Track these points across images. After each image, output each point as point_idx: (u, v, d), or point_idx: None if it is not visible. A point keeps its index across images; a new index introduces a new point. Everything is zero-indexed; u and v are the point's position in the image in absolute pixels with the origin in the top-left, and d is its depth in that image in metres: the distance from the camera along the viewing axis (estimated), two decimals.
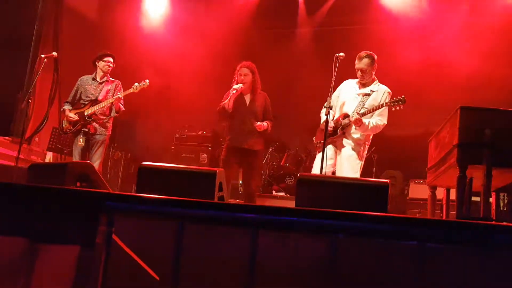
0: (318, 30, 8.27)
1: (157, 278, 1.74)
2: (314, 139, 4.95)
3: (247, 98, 5.16)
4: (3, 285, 1.72)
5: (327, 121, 4.32)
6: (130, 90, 5.52)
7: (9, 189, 1.82)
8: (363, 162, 4.65)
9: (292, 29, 8.47)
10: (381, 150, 6.82)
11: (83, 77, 5.77)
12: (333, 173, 4.62)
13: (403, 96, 4.36)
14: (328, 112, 4.31)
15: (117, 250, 1.69)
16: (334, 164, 4.63)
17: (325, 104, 4.37)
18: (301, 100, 7.66)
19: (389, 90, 4.64)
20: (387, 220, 1.48)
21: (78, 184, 3.31)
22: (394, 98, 4.41)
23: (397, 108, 4.39)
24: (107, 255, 1.63)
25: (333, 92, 4.41)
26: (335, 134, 4.62)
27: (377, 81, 4.71)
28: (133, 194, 1.95)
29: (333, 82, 4.38)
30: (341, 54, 4.39)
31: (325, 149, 4.23)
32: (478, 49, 6.67)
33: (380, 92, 4.62)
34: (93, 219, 1.64)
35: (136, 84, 5.51)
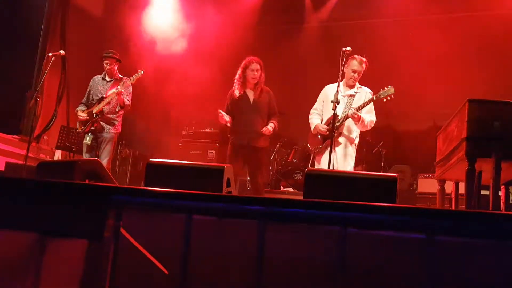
0: (324, 25, 8.24)
1: (166, 272, 1.74)
2: (308, 145, 5.00)
3: (251, 96, 5.08)
4: (13, 279, 1.73)
5: (334, 116, 4.34)
6: (128, 82, 5.54)
7: (17, 184, 1.83)
8: (354, 157, 4.81)
9: (299, 24, 8.44)
10: (389, 145, 6.80)
11: (94, 77, 5.83)
12: None
13: (389, 86, 4.52)
14: (335, 107, 4.33)
15: (125, 244, 1.70)
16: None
17: (333, 99, 4.37)
18: (308, 96, 7.63)
19: (371, 91, 4.79)
20: (396, 211, 1.47)
21: (87, 181, 3.33)
22: (382, 90, 4.55)
23: (388, 98, 4.53)
24: (116, 248, 1.63)
25: (338, 89, 4.42)
26: (331, 136, 4.65)
27: (358, 83, 4.87)
28: (140, 187, 1.96)
29: (340, 76, 4.39)
30: (348, 48, 4.42)
31: (332, 145, 4.28)
32: (486, 42, 6.61)
33: (363, 92, 4.78)
34: (101, 213, 1.65)
35: (134, 75, 5.52)
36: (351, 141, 4.74)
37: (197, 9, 7.96)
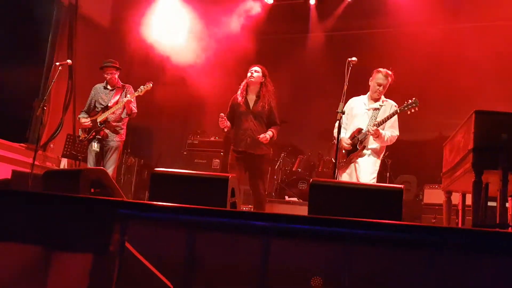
0: (329, 35, 8.25)
1: (171, 286, 1.73)
2: (333, 160, 4.93)
3: (251, 101, 5.11)
4: None
5: (339, 126, 4.33)
6: (136, 94, 5.57)
7: (23, 197, 1.83)
8: (377, 170, 4.75)
9: (304, 34, 8.46)
10: (395, 155, 6.76)
11: (96, 85, 5.85)
12: None
13: (414, 98, 4.50)
14: (341, 117, 4.32)
15: (130, 258, 1.69)
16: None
17: (338, 110, 4.35)
18: (314, 105, 7.64)
19: (396, 104, 4.77)
20: (401, 228, 1.46)
21: (92, 190, 3.34)
22: (406, 102, 4.54)
23: (412, 111, 4.52)
24: (120, 263, 1.63)
25: (345, 98, 4.41)
26: (356, 150, 4.71)
27: (383, 96, 4.86)
28: (145, 202, 1.95)
29: (345, 87, 4.38)
30: (354, 58, 4.41)
31: (336, 156, 4.27)
32: (493, 51, 6.59)
33: (388, 106, 4.76)
34: (106, 227, 1.64)
35: (141, 87, 5.56)
36: (376, 152, 4.71)
37: (203, 19, 8.00)
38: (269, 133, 5.02)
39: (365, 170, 4.64)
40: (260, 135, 5.00)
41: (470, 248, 1.45)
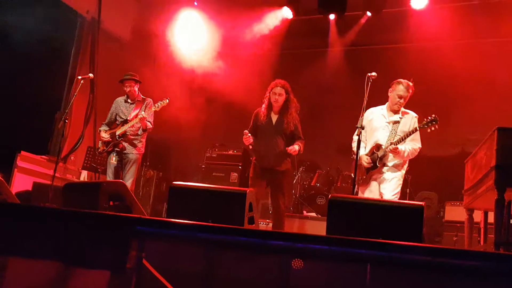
0: (349, 50, 8.24)
1: None
2: (352, 175, 4.85)
3: (274, 118, 5.10)
4: None
5: (359, 141, 4.28)
6: (153, 109, 5.62)
7: (41, 213, 1.84)
8: (401, 185, 4.61)
9: (323, 48, 8.47)
10: (415, 171, 6.64)
11: (117, 99, 5.91)
12: None
13: (434, 115, 4.36)
14: (360, 133, 4.28)
15: (147, 275, 1.68)
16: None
17: (357, 125, 4.32)
18: (333, 120, 7.61)
19: (416, 115, 4.65)
20: (423, 251, 1.42)
21: (111, 203, 3.36)
22: (426, 120, 4.40)
23: (432, 129, 4.38)
24: (137, 280, 1.62)
25: (364, 113, 4.36)
26: (376, 167, 4.57)
27: (403, 108, 4.72)
28: (163, 219, 1.95)
29: (365, 101, 4.34)
30: (373, 74, 4.37)
31: (356, 172, 4.20)
32: None
33: (408, 118, 4.63)
34: (123, 244, 1.64)
35: (158, 103, 5.61)
36: (397, 166, 4.56)
37: (224, 33, 8.08)
38: (296, 146, 4.99)
39: (389, 187, 4.49)
40: (283, 150, 4.98)
41: (494, 272, 1.41)
